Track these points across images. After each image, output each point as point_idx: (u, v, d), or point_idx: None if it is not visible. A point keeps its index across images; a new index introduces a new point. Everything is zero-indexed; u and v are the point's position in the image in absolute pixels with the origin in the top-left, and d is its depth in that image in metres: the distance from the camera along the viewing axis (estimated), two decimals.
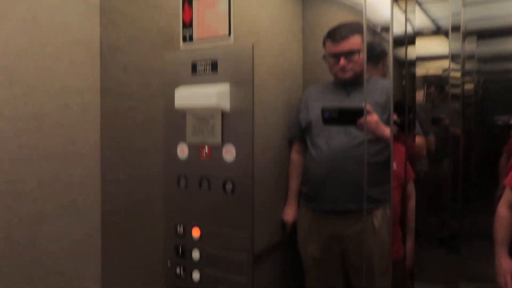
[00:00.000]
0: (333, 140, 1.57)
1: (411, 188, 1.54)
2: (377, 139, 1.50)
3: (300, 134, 1.70)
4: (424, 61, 1.63)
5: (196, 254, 1.35)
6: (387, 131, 1.47)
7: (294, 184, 1.68)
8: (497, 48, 1.59)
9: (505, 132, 1.49)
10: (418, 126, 1.58)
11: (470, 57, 1.58)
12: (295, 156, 1.71)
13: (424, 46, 1.57)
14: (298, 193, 1.67)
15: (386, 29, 1.40)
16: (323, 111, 1.38)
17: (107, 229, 1.55)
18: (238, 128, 1.37)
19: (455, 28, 1.54)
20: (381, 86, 1.56)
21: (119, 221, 1.52)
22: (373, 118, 1.43)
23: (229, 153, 1.42)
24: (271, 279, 1.53)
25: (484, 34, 1.57)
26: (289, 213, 1.66)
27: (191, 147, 1.39)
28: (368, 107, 1.41)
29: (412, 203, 1.54)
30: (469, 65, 1.56)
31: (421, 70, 1.66)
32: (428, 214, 1.57)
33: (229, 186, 1.38)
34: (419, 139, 1.59)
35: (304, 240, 1.65)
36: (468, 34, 1.58)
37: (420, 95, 1.90)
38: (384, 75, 1.57)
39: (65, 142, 1.44)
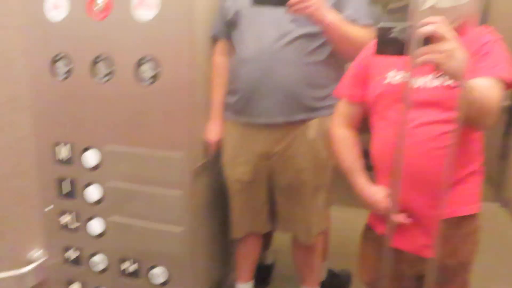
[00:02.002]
0: (264, 36, 1.28)
1: None
2: (315, 33, 1.26)
3: (225, 30, 1.38)
4: None
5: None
6: (329, 17, 1.17)
7: (218, 94, 1.38)
8: None
9: None
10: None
11: None
12: (219, 59, 1.39)
13: None
14: (223, 106, 1.37)
15: None
16: None
17: None
18: None
19: None
20: None
21: None
22: None
23: (145, 5, 0.90)
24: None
25: None
26: (213, 131, 1.37)
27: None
28: None
29: None
30: None
31: None
32: None
33: (146, 69, 0.89)
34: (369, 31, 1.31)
35: (232, 161, 1.40)
36: None
37: None
38: None
39: None
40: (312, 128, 1.36)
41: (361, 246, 1.23)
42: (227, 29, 1.36)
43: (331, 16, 1.19)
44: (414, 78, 0.98)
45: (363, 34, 1.28)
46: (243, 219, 1.48)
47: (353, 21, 1.27)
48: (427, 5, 0.93)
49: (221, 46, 1.40)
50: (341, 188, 1.30)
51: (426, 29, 0.79)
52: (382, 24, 0.88)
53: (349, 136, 1.18)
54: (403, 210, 1.04)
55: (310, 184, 1.41)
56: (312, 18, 1.15)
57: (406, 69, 0.99)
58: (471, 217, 1.09)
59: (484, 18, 3.01)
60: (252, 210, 1.48)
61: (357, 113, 1.20)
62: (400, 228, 1.05)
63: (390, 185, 1.07)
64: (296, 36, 1.27)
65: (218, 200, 1.47)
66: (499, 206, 2.87)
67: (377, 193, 1.09)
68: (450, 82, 0.95)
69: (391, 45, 0.84)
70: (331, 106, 1.37)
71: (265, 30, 1.27)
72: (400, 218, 1.02)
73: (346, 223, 1.27)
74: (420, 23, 0.78)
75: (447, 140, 0.93)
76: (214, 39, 1.39)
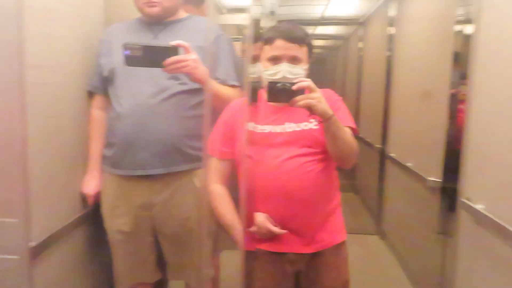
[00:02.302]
0: (139, 92, 1.33)
1: None
2: (198, 89, 1.34)
3: (101, 85, 1.43)
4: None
5: None
6: (207, 76, 1.26)
7: (95, 147, 1.43)
8: None
9: None
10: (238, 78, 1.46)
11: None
12: (96, 113, 1.45)
13: None
14: (101, 158, 1.42)
15: None
16: (124, 48, 1.10)
17: None
18: None
19: None
20: (204, 28, 1.40)
21: None
22: (191, 57, 1.20)
23: None
24: (65, 265, 1.29)
25: None
26: (91, 184, 1.42)
27: None
28: (185, 44, 1.20)
29: None
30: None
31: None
32: None
33: None
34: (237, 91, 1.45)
35: (111, 212, 1.42)
36: None
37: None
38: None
39: None
40: (199, 177, 1.41)
41: (248, 272, 1.30)
42: (104, 84, 1.41)
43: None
44: (274, 126, 1.25)
45: (231, 93, 1.41)
46: (127, 269, 1.47)
47: (223, 81, 1.41)
48: (280, 75, 1.22)
49: (98, 100, 1.45)
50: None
51: (305, 83, 1.08)
52: (271, 79, 1.18)
53: (224, 192, 1.31)
54: (280, 223, 1.24)
55: (197, 231, 1.44)
56: (190, 77, 1.24)
57: (263, 120, 1.26)
58: (343, 242, 1.36)
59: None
60: (137, 259, 1.47)
61: (228, 169, 1.35)
62: (280, 237, 1.24)
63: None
64: (175, 92, 1.35)
65: (100, 252, 1.48)
66: (379, 238, 3.24)
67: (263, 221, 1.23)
68: (302, 127, 1.25)
69: (279, 94, 1.09)
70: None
71: (141, 86, 1.34)
72: (277, 230, 1.23)
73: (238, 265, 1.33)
74: (298, 80, 1.08)
75: (306, 168, 1.22)
76: (91, 94, 1.42)
